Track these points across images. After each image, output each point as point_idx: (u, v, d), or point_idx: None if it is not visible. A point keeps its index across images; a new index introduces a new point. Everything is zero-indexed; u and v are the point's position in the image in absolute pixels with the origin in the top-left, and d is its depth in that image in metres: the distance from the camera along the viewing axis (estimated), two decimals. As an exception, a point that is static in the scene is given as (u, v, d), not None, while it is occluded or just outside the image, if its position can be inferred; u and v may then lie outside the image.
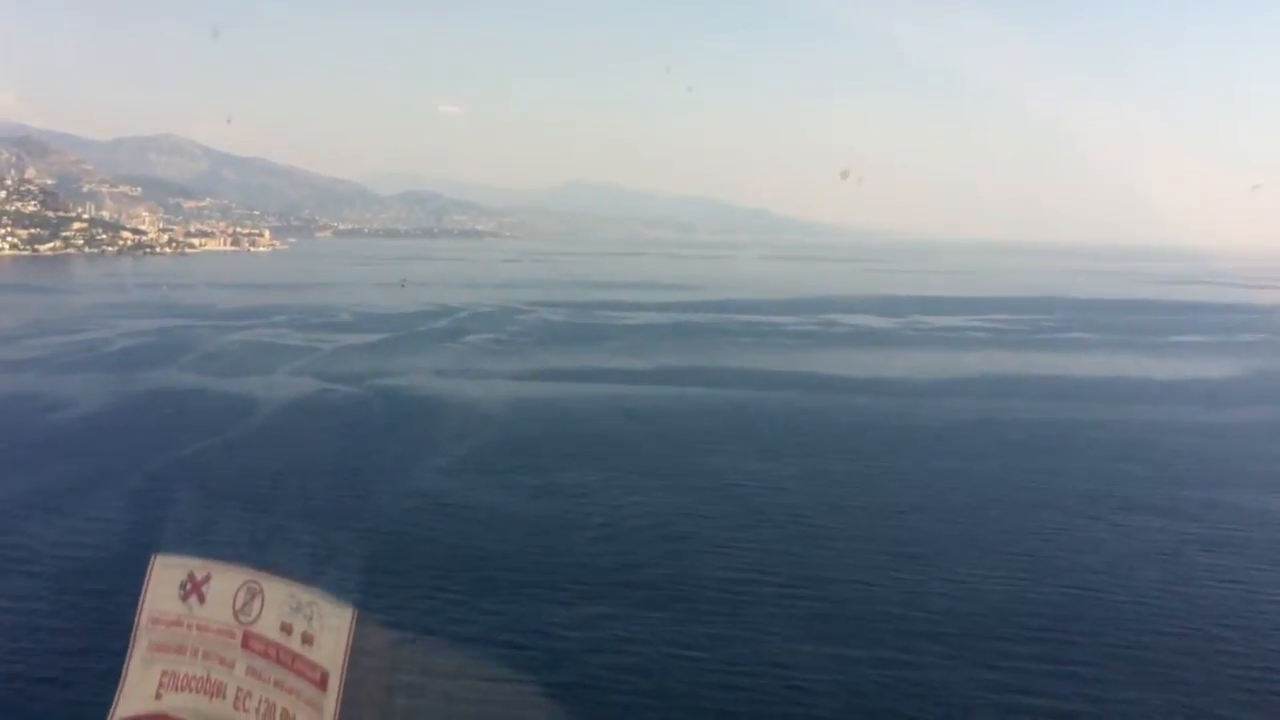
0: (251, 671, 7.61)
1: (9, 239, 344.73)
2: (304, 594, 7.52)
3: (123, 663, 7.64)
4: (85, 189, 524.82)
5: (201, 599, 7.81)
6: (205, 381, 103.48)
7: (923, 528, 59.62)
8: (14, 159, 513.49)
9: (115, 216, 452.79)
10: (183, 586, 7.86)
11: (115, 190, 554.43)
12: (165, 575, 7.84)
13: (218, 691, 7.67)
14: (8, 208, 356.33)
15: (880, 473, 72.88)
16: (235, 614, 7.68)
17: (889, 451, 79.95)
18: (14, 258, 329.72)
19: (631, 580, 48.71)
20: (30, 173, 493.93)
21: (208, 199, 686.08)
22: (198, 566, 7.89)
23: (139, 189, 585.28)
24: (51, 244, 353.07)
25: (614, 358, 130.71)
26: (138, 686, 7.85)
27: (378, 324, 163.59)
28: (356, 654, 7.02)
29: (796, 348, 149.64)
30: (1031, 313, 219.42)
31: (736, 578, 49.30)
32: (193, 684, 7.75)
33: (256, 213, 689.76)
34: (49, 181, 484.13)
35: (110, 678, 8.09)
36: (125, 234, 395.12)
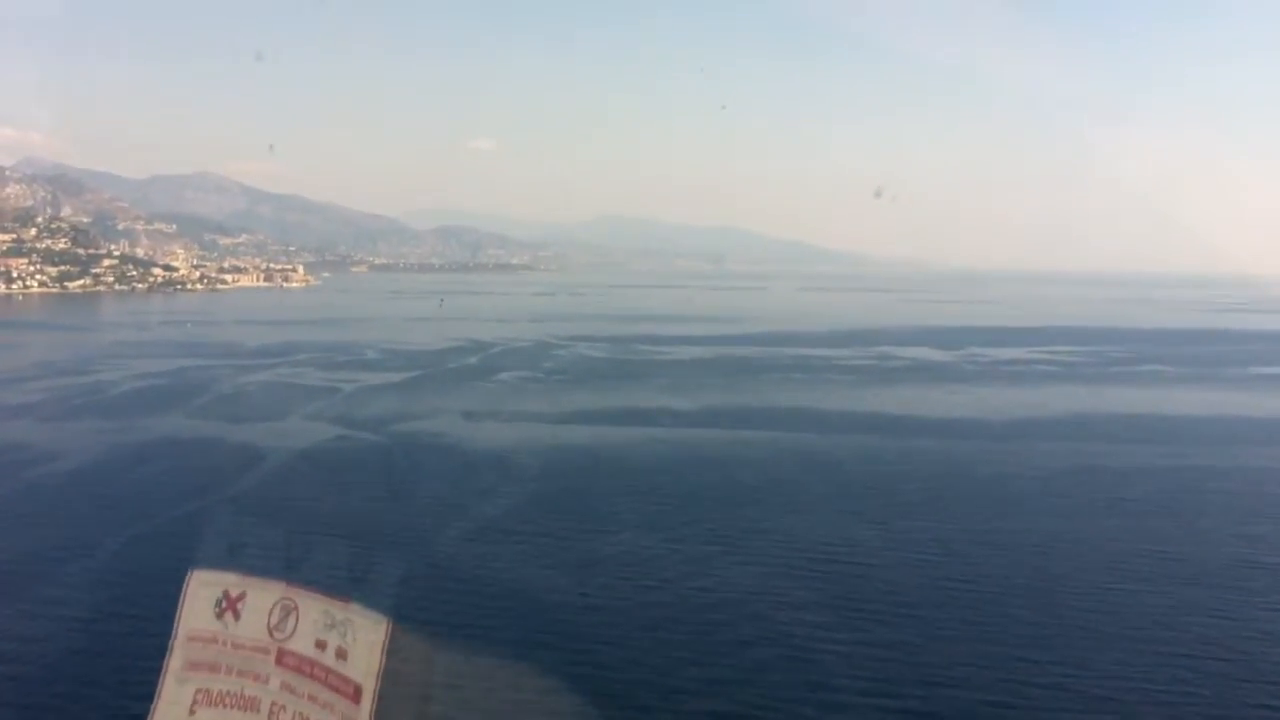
0: (285, 686, 7.45)
1: (38, 277, 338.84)
2: (338, 610, 7.30)
3: (156, 678, 7.29)
4: (120, 226, 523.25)
5: (237, 616, 7.62)
6: (212, 429, 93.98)
7: (1054, 617, 48.50)
8: (49, 197, 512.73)
9: (150, 254, 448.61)
10: (218, 604, 7.67)
11: (150, 227, 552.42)
12: (201, 592, 7.53)
13: (252, 706, 7.52)
14: (38, 245, 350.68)
15: (982, 538, 61.75)
16: (270, 631, 7.50)
17: (985, 509, 68.81)
18: (43, 295, 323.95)
19: (711, 710, 38.01)
20: (65, 210, 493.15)
21: (243, 235, 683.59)
22: (233, 583, 7.72)
23: (174, 226, 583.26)
24: (81, 281, 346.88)
25: (658, 397, 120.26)
26: (172, 705, 7.61)
27: (405, 361, 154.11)
28: (391, 663, 6.70)
29: (854, 384, 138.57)
30: (1095, 344, 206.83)
31: (841, 700, 38.45)
32: (227, 700, 7.57)
33: (292, 249, 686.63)
34: (84, 219, 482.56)
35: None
36: (156, 270, 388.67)
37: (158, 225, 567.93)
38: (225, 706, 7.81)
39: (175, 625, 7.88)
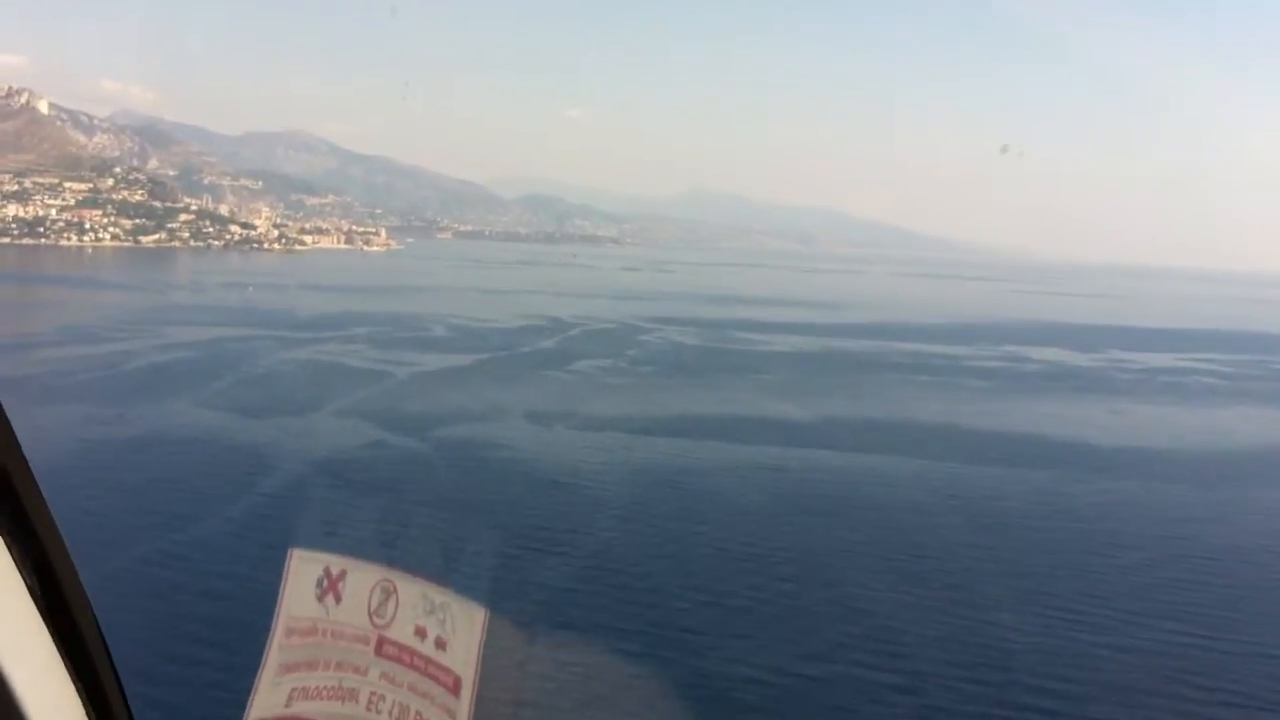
0: (385, 676, 6.24)
1: (111, 229, 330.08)
2: (437, 594, 6.04)
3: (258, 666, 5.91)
4: (206, 181, 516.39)
5: (338, 599, 6.31)
6: (222, 422, 77.02)
7: None
8: (136, 148, 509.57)
9: (234, 210, 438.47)
10: (319, 584, 6.33)
11: (236, 184, 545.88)
12: (302, 570, 6.31)
13: (350, 697, 6.31)
14: (114, 197, 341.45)
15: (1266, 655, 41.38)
16: (370, 616, 6.23)
17: (1246, 603, 48.24)
18: (114, 249, 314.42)
19: None
20: (152, 163, 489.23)
21: (330, 196, 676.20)
22: (333, 562, 6.30)
23: (260, 183, 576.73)
24: (155, 236, 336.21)
25: (764, 401, 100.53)
26: (269, 698, 6.38)
27: (472, 341, 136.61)
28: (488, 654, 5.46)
29: (991, 393, 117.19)
30: (1250, 351, 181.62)
31: None
32: (324, 693, 6.34)
33: (378, 211, 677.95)
34: (169, 172, 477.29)
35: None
36: (234, 228, 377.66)
37: (244, 182, 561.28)
38: (323, 698, 6.56)
39: (278, 609, 6.30)
